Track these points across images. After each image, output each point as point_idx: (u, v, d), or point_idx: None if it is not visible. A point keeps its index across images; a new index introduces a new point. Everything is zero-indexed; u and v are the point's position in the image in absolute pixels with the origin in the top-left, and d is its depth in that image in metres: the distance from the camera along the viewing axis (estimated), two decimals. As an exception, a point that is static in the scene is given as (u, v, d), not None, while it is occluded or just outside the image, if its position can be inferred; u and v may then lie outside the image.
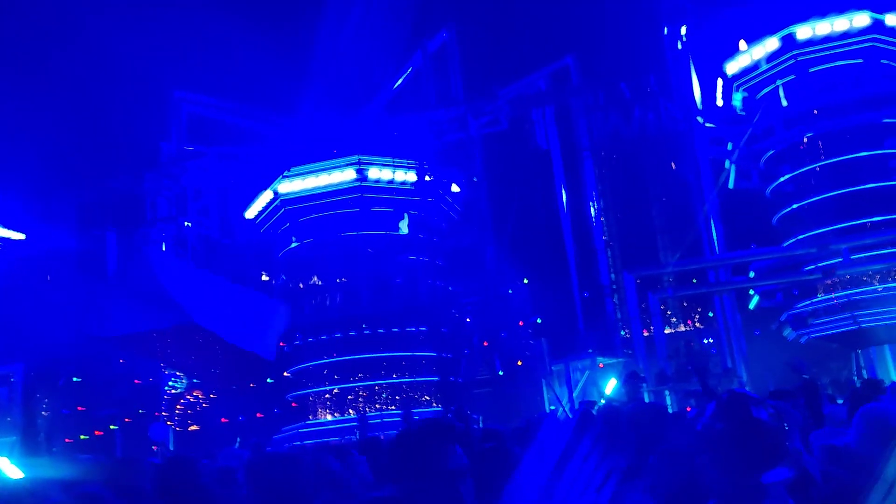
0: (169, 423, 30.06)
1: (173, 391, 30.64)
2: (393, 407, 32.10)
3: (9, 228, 39.17)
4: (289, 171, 34.50)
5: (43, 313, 35.18)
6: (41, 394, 36.63)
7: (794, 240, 30.38)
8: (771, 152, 31.64)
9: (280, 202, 34.89)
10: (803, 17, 30.72)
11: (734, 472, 2.81)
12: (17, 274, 38.00)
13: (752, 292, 30.93)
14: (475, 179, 36.75)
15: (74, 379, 40.02)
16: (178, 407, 30.62)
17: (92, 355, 36.28)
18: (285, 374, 35.04)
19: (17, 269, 38.11)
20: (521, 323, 35.06)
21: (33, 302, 36.54)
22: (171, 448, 26.53)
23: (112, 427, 33.85)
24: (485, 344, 35.10)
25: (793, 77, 30.97)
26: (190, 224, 34.93)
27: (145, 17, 47.64)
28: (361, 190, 34.33)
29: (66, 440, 34.17)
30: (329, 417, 33.12)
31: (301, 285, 35.41)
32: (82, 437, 36.44)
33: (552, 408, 28.16)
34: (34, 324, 37.08)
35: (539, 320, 34.30)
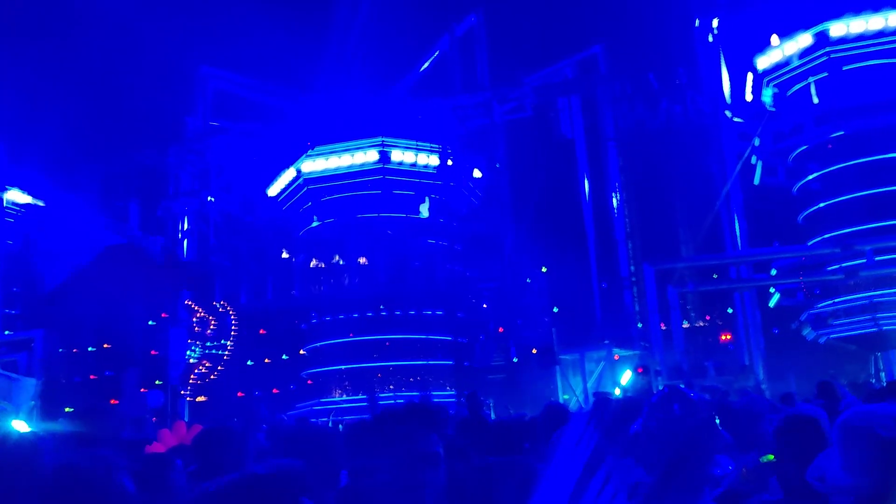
0: (182, 391, 30.30)
1: (190, 361, 30.86)
2: (405, 389, 32.24)
3: (31, 195, 39.52)
4: (312, 150, 34.56)
5: (64, 281, 35.53)
6: (61, 361, 37.02)
7: (818, 239, 30.02)
8: (799, 150, 31.22)
9: (303, 181, 34.98)
10: (837, 14, 30.10)
11: (673, 467, 2.73)
12: (40, 242, 38.37)
13: (772, 290, 30.68)
14: (497, 166, 36.63)
15: (90, 349, 40.43)
16: (191, 377, 30.87)
17: (112, 324, 36.62)
18: (301, 351, 35.27)
19: (40, 236, 38.48)
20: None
21: (55, 269, 36.91)
22: (186, 419, 26.80)
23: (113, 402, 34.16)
24: (500, 330, 35.10)
25: (825, 74, 30.44)
26: (213, 199, 35.14)
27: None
28: (384, 172, 34.36)
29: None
30: (343, 396, 33.32)
31: (322, 265, 35.57)
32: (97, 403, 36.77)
33: (566, 397, 28.16)
34: (56, 291, 37.48)
35: (556, 309, 34.25)
